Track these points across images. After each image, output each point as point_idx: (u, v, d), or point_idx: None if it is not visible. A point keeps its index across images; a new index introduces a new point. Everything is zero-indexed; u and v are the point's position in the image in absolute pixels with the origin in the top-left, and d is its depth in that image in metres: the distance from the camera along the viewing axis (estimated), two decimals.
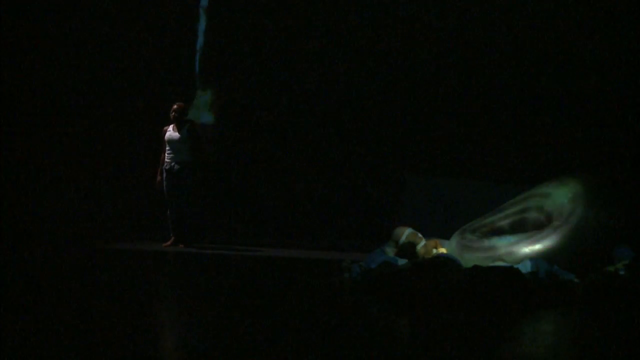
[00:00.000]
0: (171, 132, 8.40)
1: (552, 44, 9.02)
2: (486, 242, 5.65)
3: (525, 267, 5.05)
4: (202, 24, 10.12)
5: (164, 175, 8.41)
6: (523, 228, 5.80)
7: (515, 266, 5.07)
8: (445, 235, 6.05)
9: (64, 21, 9.89)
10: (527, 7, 9.15)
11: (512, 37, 9.15)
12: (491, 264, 5.20)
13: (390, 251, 5.89)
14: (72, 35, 9.86)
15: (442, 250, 5.78)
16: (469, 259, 5.43)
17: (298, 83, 9.79)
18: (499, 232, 5.88)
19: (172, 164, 8.37)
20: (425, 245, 5.85)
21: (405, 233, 5.98)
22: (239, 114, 10.00)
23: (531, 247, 5.38)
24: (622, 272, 5.03)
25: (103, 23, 9.87)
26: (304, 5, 9.75)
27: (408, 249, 5.83)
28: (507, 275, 4.94)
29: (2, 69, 9.76)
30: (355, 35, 9.63)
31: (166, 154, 8.42)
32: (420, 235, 5.96)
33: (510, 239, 5.60)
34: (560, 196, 5.65)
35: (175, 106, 8.46)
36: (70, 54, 9.91)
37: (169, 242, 8.39)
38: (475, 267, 5.06)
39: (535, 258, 5.15)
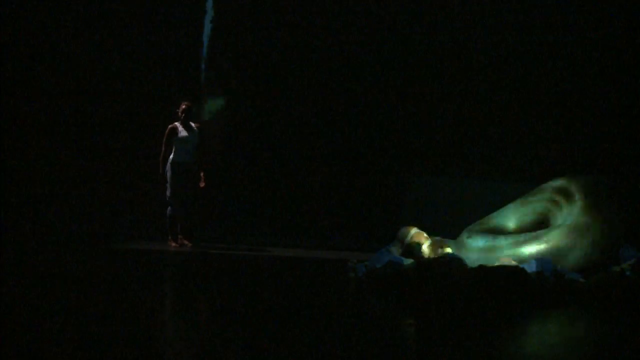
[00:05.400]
0: (181, 132, 8.40)
1: (555, 43, 9.02)
2: (491, 242, 5.64)
3: (531, 267, 5.04)
4: (207, 22, 10.13)
5: (171, 174, 8.41)
6: (529, 227, 5.80)
7: (521, 266, 5.06)
8: (451, 235, 6.05)
9: (70, 21, 9.92)
10: (529, 7, 9.15)
11: (516, 36, 9.15)
12: (497, 264, 5.20)
13: (395, 251, 5.89)
14: (79, 34, 9.88)
15: (448, 250, 5.77)
16: (475, 259, 5.43)
17: (304, 83, 9.80)
18: (505, 231, 5.88)
19: (182, 163, 8.37)
20: (430, 245, 5.84)
21: (411, 233, 5.97)
22: (245, 113, 10.01)
23: (537, 247, 5.36)
24: (628, 273, 5.03)
25: (109, 23, 9.89)
26: (308, 5, 9.76)
27: (413, 249, 5.82)
28: (512, 275, 4.94)
29: (7, 69, 9.80)
30: (361, 34, 9.64)
31: (175, 154, 8.41)
32: (425, 235, 5.95)
33: (516, 238, 5.59)
34: (566, 195, 5.64)
35: (183, 105, 8.47)
36: (74, 53, 9.93)
37: (175, 242, 8.41)
38: (481, 267, 5.06)
39: (540, 258, 5.15)
